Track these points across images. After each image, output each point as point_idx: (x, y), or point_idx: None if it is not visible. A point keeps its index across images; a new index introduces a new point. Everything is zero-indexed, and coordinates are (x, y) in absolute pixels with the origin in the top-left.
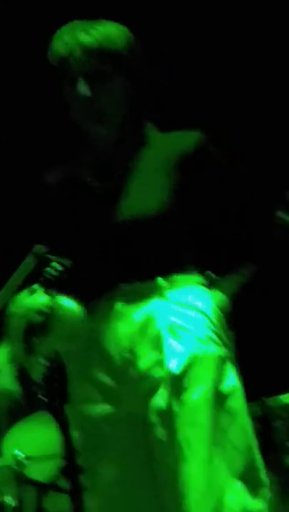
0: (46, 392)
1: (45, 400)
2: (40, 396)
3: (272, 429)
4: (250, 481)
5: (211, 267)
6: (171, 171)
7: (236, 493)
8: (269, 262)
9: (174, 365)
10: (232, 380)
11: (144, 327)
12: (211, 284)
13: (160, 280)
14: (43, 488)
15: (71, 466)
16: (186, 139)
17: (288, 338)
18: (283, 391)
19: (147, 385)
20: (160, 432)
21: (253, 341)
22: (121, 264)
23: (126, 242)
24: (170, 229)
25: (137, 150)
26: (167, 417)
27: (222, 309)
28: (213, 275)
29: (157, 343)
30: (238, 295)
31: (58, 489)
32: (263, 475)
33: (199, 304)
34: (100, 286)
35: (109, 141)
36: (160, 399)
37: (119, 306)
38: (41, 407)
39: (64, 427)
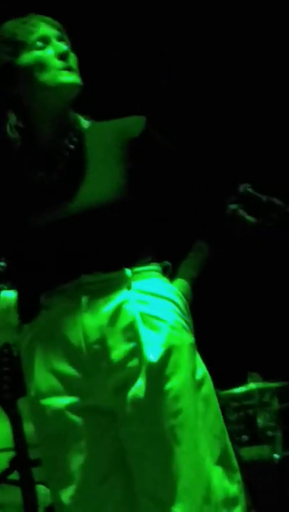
0: None
1: None
2: None
3: (226, 422)
4: (225, 466)
5: (166, 253)
6: (121, 157)
7: (219, 478)
8: (222, 246)
9: (151, 355)
10: (202, 367)
11: (113, 318)
12: (165, 272)
13: (124, 270)
14: None
15: (22, 459)
16: (131, 124)
17: (243, 329)
18: (237, 383)
19: (122, 376)
20: (139, 424)
21: (207, 331)
22: (82, 255)
23: (86, 232)
24: (128, 217)
25: (78, 138)
26: (147, 408)
27: (185, 296)
28: (168, 264)
29: (130, 334)
30: (197, 281)
31: (9, 482)
32: (234, 460)
33: (165, 292)
34: (60, 278)
35: (70, 101)
36: (138, 390)
37: (84, 298)
38: None
39: (15, 421)
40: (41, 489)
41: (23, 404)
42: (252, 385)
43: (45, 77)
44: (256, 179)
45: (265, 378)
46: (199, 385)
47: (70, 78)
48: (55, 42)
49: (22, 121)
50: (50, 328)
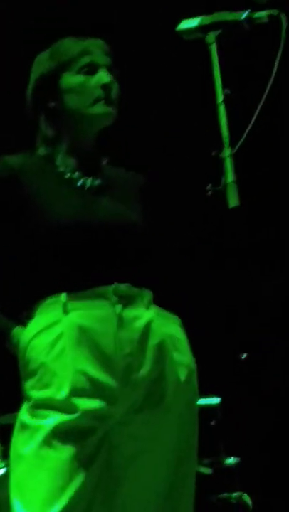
0: None
1: None
2: None
3: None
4: None
5: None
6: (137, 197)
7: None
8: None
9: (180, 375)
10: None
11: (144, 335)
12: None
13: (148, 290)
14: None
15: None
16: (137, 177)
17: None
18: None
19: (147, 392)
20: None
21: None
22: (116, 264)
23: (123, 243)
24: (150, 243)
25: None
26: (173, 425)
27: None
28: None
29: (158, 354)
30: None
31: None
32: None
33: (172, 317)
34: (88, 282)
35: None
36: (168, 406)
37: (117, 307)
38: None
39: None
40: None
41: None
42: None
43: (80, 103)
44: None
45: None
46: None
47: (104, 109)
48: (102, 71)
49: (54, 132)
50: (77, 331)
